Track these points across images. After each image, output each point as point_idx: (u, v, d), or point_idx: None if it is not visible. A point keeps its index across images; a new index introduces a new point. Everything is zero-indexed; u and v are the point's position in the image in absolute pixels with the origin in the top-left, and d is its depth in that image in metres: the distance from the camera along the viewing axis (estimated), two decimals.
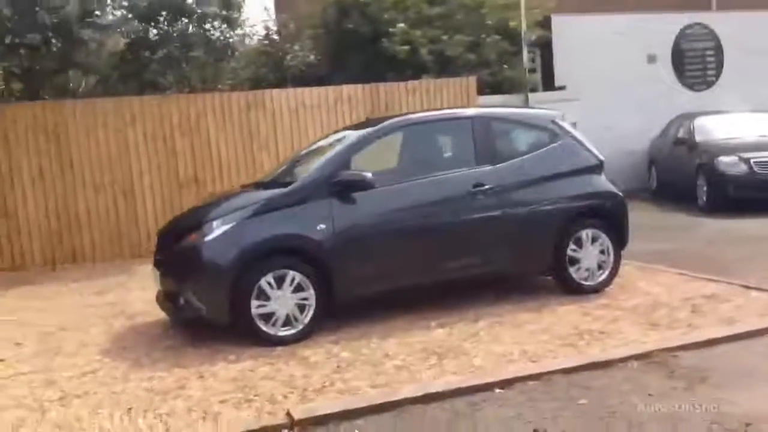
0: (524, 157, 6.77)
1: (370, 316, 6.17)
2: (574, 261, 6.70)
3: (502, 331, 5.74)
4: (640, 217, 11.76)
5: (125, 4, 11.35)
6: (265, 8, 18.46)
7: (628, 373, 4.73)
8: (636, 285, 7.01)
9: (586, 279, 6.75)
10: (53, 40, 9.82)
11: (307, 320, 5.79)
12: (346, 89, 12.57)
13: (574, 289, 6.68)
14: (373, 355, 5.30)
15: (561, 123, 6.96)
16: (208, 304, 5.64)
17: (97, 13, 10.42)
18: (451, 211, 6.31)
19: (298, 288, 5.76)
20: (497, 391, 4.52)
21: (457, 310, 6.32)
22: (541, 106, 9.52)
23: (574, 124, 7.28)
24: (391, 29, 13.59)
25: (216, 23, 12.15)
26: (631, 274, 7.45)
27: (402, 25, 13.56)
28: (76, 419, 4.39)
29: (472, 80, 13.34)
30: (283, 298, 5.70)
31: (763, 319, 5.66)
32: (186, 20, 11.75)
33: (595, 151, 7.01)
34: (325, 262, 5.82)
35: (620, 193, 7.03)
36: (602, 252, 6.81)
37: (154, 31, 11.68)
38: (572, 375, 4.72)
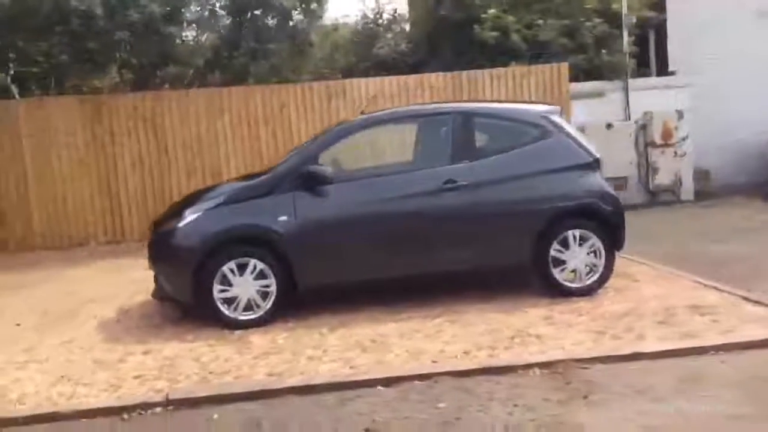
0: (507, 153, 6.63)
1: (346, 307, 6.38)
2: (559, 262, 6.50)
3: (448, 329, 5.76)
4: (735, 214, 10.99)
5: (213, 1, 12.19)
6: None
7: (520, 381, 4.66)
8: (636, 290, 6.68)
9: (572, 281, 6.52)
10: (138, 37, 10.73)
11: (267, 307, 6.13)
12: (427, 77, 12.69)
13: (559, 291, 6.48)
14: (305, 345, 5.54)
15: (554, 119, 6.72)
16: (174, 286, 6.16)
17: (183, 10, 11.30)
18: (419, 206, 6.35)
19: (261, 276, 6.12)
20: (379, 388, 4.64)
21: (432, 306, 6.37)
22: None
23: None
24: (483, 15, 13.43)
25: (298, 16, 12.66)
26: (644, 276, 7.11)
27: (493, 10, 13.36)
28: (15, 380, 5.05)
29: (564, 66, 12.93)
30: (245, 285, 6.09)
31: (723, 336, 5.25)
32: (270, 14, 12.36)
33: (590, 149, 6.72)
34: (286, 251, 6.12)
35: (614, 193, 6.69)
36: (592, 254, 6.54)
37: (241, 25, 12.38)
38: (463, 378, 4.72)
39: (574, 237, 6.50)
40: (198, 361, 5.31)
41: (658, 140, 13.09)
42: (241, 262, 6.10)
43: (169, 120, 11.98)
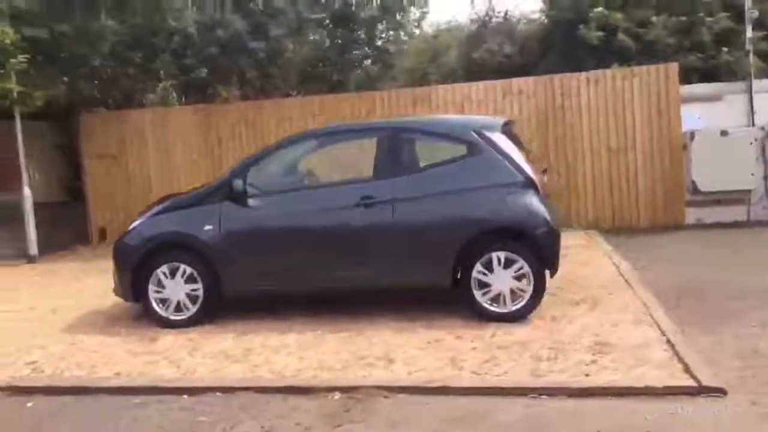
0: (430, 170, 6.47)
1: (279, 315, 6.65)
2: (483, 284, 6.23)
3: (326, 345, 5.81)
4: None
5: (305, 16, 12.80)
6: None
7: (305, 403, 4.69)
8: (572, 320, 6.17)
9: (496, 305, 6.22)
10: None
11: (194, 310, 6.62)
12: (516, 82, 12.31)
13: (483, 315, 6.22)
14: (188, 348, 5.92)
15: (487, 134, 6.39)
16: (119, 284, 6.84)
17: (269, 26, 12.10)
18: (336, 222, 6.42)
19: (191, 280, 6.61)
20: (184, 396, 4.92)
21: (354, 320, 6.42)
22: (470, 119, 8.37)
23: None
24: (590, 14, 12.71)
25: (385, 26, 12.92)
26: (609, 303, 6.58)
27: (600, 9, 12.57)
28: None
29: (673, 67, 11.81)
30: (176, 287, 6.62)
31: (573, 378, 4.80)
32: (357, 27, 12.77)
33: (524, 167, 6.30)
34: (211, 259, 6.55)
35: (546, 216, 6.22)
36: (520, 278, 6.17)
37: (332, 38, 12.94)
38: (261, 394, 4.84)
39: (499, 259, 6.17)
40: (98, 353, 5.92)
41: None
42: (173, 266, 6.62)
43: (267, 125, 12.87)
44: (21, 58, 10.63)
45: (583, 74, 12.08)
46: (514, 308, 6.19)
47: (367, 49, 12.88)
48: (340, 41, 12.77)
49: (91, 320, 7.08)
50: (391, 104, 12.50)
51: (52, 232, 12.02)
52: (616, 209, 11.88)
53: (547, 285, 6.30)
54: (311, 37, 13.11)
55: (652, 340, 5.46)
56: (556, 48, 13.30)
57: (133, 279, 6.69)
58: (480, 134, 6.38)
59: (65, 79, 11.65)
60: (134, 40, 12.08)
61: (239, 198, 6.52)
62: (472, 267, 6.21)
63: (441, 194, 6.30)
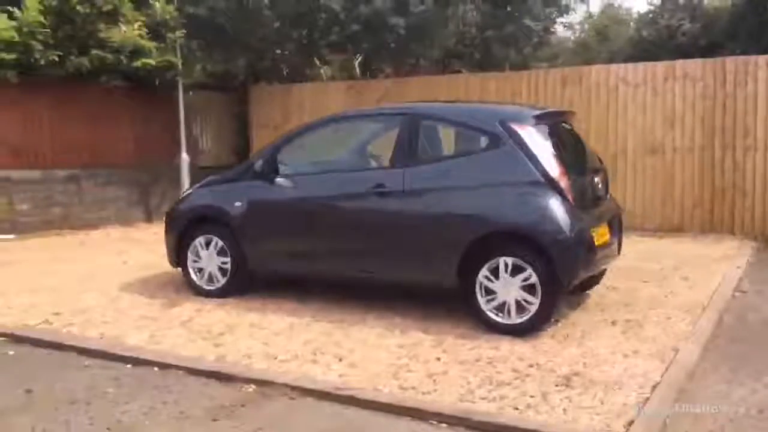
0: (447, 161, 5.97)
1: (301, 299, 6.62)
2: (489, 291, 5.68)
3: (304, 335, 5.67)
4: None
5: None
6: None
7: (209, 390, 4.62)
8: (588, 342, 5.42)
9: (501, 316, 5.64)
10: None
11: (224, 281, 6.81)
12: (681, 65, 10.95)
13: (486, 324, 5.69)
14: (184, 319, 6.11)
15: (514, 127, 5.70)
16: (167, 251, 7.22)
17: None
18: (348, 209, 6.19)
19: (222, 253, 6.81)
20: (127, 366, 5.11)
21: (359, 313, 6.20)
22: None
23: None
24: None
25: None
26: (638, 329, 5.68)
27: None
28: None
29: None
30: (209, 259, 6.86)
31: (499, 410, 4.23)
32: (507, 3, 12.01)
33: (546, 166, 5.55)
34: (238, 234, 6.68)
35: (565, 222, 5.45)
36: (528, 288, 5.53)
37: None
38: (193, 376, 4.87)
39: (506, 265, 5.56)
40: (97, 313, 6.32)
41: None
42: (208, 238, 6.85)
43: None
44: (179, 33, 11.50)
45: (762, 57, 10.34)
46: (518, 321, 5.56)
47: (518, 24, 12.07)
48: (489, 18, 12.11)
49: (155, 280, 7.51)
50: (538, 85, 11.73)
51: None
52: None
53: (594, 299, 5.62)
54: (458, 12, 12.59)
55: (640, 382, 4.58)
56: (745, 28, 11.48)
57: (177, 246, 7.00)
58: (505, 126, 5.73)
59: (227, 54, 12.38)
60: (292, 17, 12.50)
61: (264, 178, 6.53)
62: (478, 271, 5.65)
63: (452, 188, 5.80)
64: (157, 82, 11.96)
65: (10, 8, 10.16)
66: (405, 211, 5.93)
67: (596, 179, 6.19)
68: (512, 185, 5.61)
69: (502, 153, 5.69)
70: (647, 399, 4.31)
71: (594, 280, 6.70)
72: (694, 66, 10.76)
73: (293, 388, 4.54)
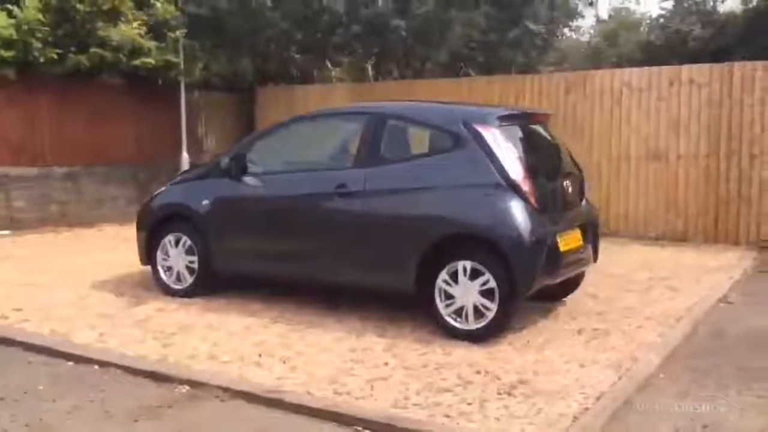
0: (409, 162, 5.81)
1: (273, 300, 6.50)
2: (449, 296, 5.50)
3: (259, 336, 5.55)
4: None
5: None
6: None
7: (127, 387, 4.53)
8: (546, 351, 5.22)
9: (459, 321, 5.46)
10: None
11: (191, 281, 6.72)
12: (687, 70, 10.63)
13: (445, 329, 5.52)
14: (139, 318, 6.02)
15: (478, 127, 5.51)
16: (138, 249, 7.15)
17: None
18: (310, 209, 6.07)
19: (190, 251, 6.72)
20: (69, 363, 5.04)
21: (324, 316, 6.07)
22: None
23: None
24: None
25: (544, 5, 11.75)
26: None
27: None
28: None
29: None
30: (177, 257, 6.78)
31: (429, 417, 4.07)
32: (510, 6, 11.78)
33: (508, 168, 5.35)
34: (203, 232, 6.59)
35: (524, 226, 5.26)
36: (487, 294, 5.35)
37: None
38: (130, 376, 4.78)
39: (465, 269, 5.39)
40: (56, 310, 6.25)
41: None
42: (177, 236, 6.77)
43: None
44: (179, 32, 11.50)
45: None
46: (476, 326, 5.38)
47: (523, 28, 11.84)
48: (493, 21, 11.91)
49: (130, 279, 7.42)
50: (541, 89, 11.49)
51: None
52: None
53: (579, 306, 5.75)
54: (461, 15, 12.39)
55: (587, 392, 4.39)
56: (761, 34, 11.13)
57: (147, 244, 6.94)
58: (468, 126, 5.56)
59: (231, 55, 12.36)
60: (294, 19, 12.43)
61: (231, 176, 6.44)
62: (437, 275, 5.48)
63: (412, 190, 5.65)
64: (159, 82, 11.94)
65: (9, 6, 10.21)
66: (365, 213, 5.79)
67: (567, 183, 5.97)
68: (473, 187, 5.44)
69: (464, 154, 5.52)
70: (587, 409, 4.10)
71: (570, 287, 6.50)
72: (700, 71, 10.43)
73: (225, 389, 4.44)
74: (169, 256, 6.79)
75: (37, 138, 11.17)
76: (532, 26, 11.87)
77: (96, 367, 4.91)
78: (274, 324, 5.85)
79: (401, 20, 11.83)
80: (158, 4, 11.49)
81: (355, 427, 3.95)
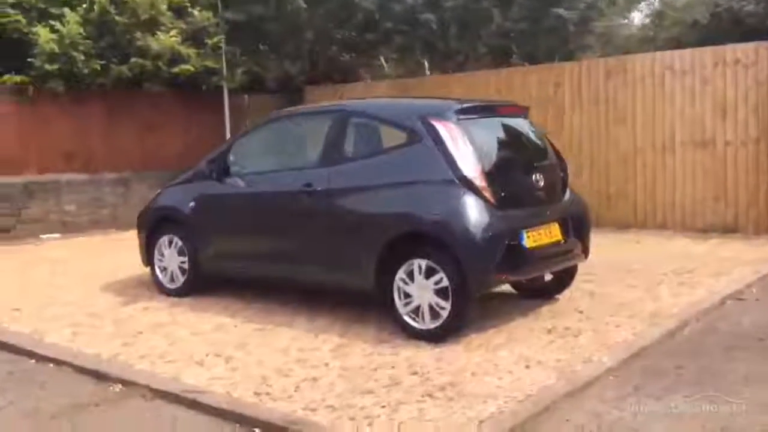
0: (367, 159, 5.69)
1: (259, 301, 6.51)
2: (407, 294, 5.38)
3: (224, 336, 5.61)
4: None
5: None
6: None
7: (67, 386, 4.65)
8: (502, 351, 5.00)
9: (417, 320, 5.33)
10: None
11: (182, 281, 6.88)
12: (732, 50, 9.95)
13: (403, 328, 5.40)
14: (122, 318, 6.19)
15: (434, 122, 5.32)
16: (139, 251, 7.37)
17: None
18: (281, 209, 6.07)
19: (181, 253, 6.88)
20: (32, 361, 5.25)
21: (297, 315, 6.05)
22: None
23: None
24: None
25: None
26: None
27: None
28: None
29: None
30: (171, 258, 6.96)
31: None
32: None
33: (461, 164, 5.15)
34: (190, 233, 6.73)
35: (476, 223, 5.05)
36: (441, 293, 5.19)
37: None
38: (78, 374, 4.92)
39: (420, 268, 5.25)
40: (54, 309, 6.51)
41: None
42: (171, 238, 6.95)
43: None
44: (216, 39, 11.78)
45: None
46: (432, 326, 5.23)
47: (552, 16, 11.38)
48: (524, 10, 11.50)
49: (140, 279, 7.60)
50: (581, 76, 11.03)
51: None
52: None
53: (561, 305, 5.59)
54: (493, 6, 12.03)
55: (514, 395, 4.18)
56: None
57: (146, 246, 7.15)
58: (424, 121, 5.40)
59: (274, 57, 12.55)
60: (331, 19, 12.48)
61: (213, 178, 6.55)
62: (395, 273, 5.36)
63: (370, 188, 5.56)
64: (204, 88, 12.27)
65: (52, 22, 10.75)
66: (327, 211, 5.75)
67: (540, 176, 5.69)
68: (426, 184, 5.29)
69: (420, 150, 5.37)
70: (501, 413, 3.89)
71: (565, 281, 6.23)
72: (745, 50, 9.72)
73: (151, 389, 4.49)
74: (164, 257, 6.97)
75: (88, 146, 11.71)
76: (562, 12, 11.38)
77: (51, 365, 5.08)
78: (246, 324, 5.88)
79: (431, 14, 11.64)
80: (196, 12, 11.79)
81: (253, 428, 3.90)
